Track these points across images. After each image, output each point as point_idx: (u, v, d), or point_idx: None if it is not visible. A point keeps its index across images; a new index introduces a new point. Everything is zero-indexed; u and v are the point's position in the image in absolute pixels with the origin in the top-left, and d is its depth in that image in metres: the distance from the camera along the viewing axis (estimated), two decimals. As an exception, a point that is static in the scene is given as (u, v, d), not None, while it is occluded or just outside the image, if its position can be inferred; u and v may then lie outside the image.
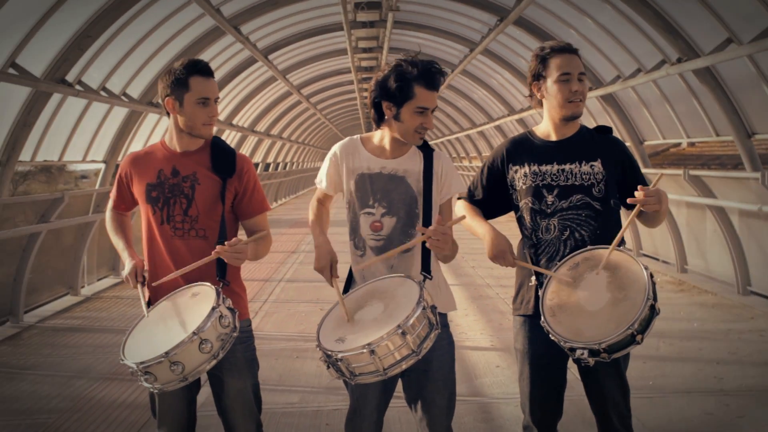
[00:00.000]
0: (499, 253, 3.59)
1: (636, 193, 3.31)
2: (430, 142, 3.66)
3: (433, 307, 3.25)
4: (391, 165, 3.60)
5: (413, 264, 3.56)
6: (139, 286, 3.58)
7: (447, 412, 3.61)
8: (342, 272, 3.63)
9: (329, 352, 3.14)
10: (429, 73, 3.44)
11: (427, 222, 3.53)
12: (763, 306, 9.30)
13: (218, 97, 3.64)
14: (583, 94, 3.61)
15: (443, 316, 3.58)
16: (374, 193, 3.58)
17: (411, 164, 3.60)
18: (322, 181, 3.74)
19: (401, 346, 3.09)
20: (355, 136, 3.74)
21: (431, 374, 3.54)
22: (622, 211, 3.71)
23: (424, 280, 3.38)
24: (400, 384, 3.66)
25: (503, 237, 3.61)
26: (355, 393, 3.60)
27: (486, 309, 9.59)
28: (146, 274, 3.64)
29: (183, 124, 3.60)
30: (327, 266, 3.51)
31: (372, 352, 3.05)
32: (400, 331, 3.06)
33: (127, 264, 3.63)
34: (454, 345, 3.67)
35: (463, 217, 3.55)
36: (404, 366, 3.12)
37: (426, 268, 3.49)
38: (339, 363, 3.13)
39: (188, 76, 3.55)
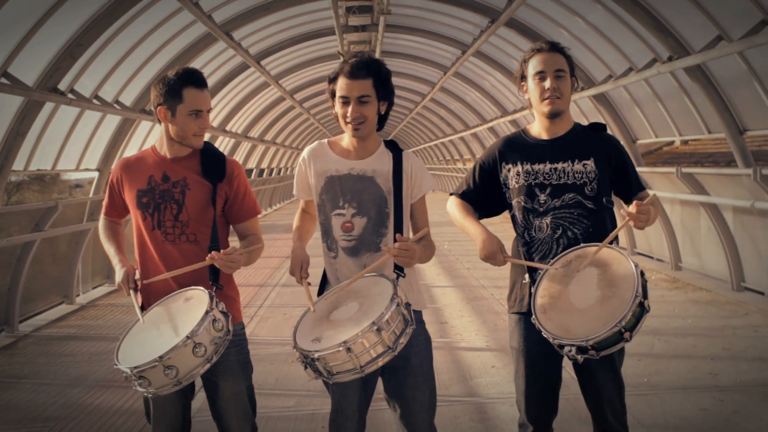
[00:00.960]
0: (490, 254, 3.60)
1: (630, 208, 3.34)
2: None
3: (408, 304, 3.29)
4: (360, 165, 3.63)
5: (387, 263, 3.56)
6: (132, 292, 3.58)
7: (428, 408, 3.64)
8: (317, 276, 3.68)
9: (306, 352, 3.16)
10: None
11: (398, 221, 3.57)
12: (757, 302, 9.33)
13: (210, 108, 3.67)
14: (560, 91, 3.63)
15: (418, 314, 3.62)
16: (344, 194, 3.61)
17: (379, 164, 3.63)
18: (295, 189, 3.81)
19: (377, 342, 3.12)
20: (323, 140, 3.77)
21: (410, 370, 3.57)
22: (616, 210, 3.72)
23: (397, 278, 3.42)
24: (380, 385, 3.69)
25: (494, 237, 3.62)
26: (336, 394, 3.63)
27: (481, 310, 9.60)
28: (138, 280, 3.65)
29: (174, 133, 3.63)
30: (297, 267, 3.54)
31: (348, 349, 3.08)
32: (375, 327, 3.09)
33: (118, 270, 3.64)
34: (431, 341, 3.70)
35: (426, 231, 3.55)
36: (381, 362, 3.15)
37: (399, 266, 3.51)
38: (316, 362, 3.16)
39: (182, 87, 3.57)
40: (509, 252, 3.81)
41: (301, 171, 3.72)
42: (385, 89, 3.53)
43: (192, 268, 3.50)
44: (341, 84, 3.51)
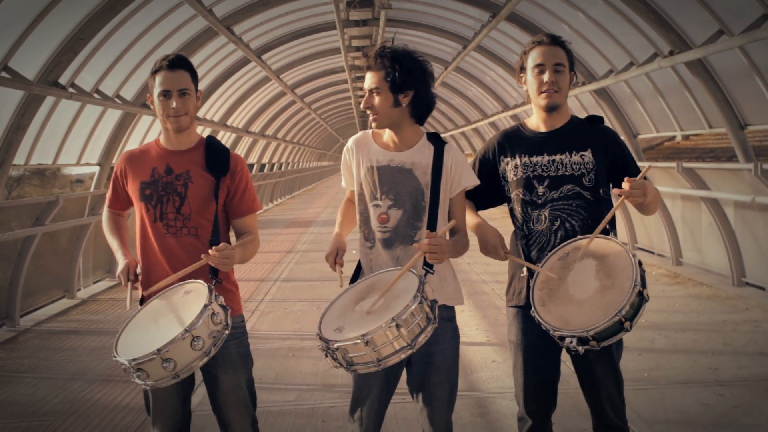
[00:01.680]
0: (491, 248, 3.61)
1: (623, 185, 3.33)
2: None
3: (433, 302, 3.27)
4: (399, 158, 3.63)
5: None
6: (129, 284, 3.58)
7: (448, 405, 3.64)
8: (350, 267, 3.70)
9: (327, 341, 3.18)
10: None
11: (432, 215, 3.57)
12: (758, 297, 9.33)
13: (185, 89, 3.59)
14: (558, 85, 3.63)
15: (450, 309, 3.63)
16: (381, 186, 3.61)
17: (419, 157, 3.63)
18: (342, 179, 3.82)
19: (396, 338, 3.11)
20: (367, 130, 3.79)
21: (434, 367, 3.57)
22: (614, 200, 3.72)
23: (425, 275, 3.40)
24: (403, 378, 3.69)
25: (495, 231, 3.63)
26: (357, 381, 3.63)
27: (482, 305, 9.61)
28: (139, 273, 3.65)
29: (159, 119, 3.64)
30: (333, 252, 3.58)
31: (367, 343, 3.08)
32: (395, 323, 3.09)
33: (121, 262, 3.64)
34: (458, 339, 3.69)
35: (453, 223, 3.55)
36: (398, 358, 3.15)
37: (428, 262, 3.50)
38: (336, 352, 3.17)
39: (156, 72, 3.59)
40: (508, 246, 3.81)
41: (346, 161, 3.74)
42: (394, 81, 3.52)
43: (190, 269, 3.50)
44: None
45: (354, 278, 3.72)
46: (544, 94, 3.63)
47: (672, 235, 12.03)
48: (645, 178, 3.42)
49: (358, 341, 3.09)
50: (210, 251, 3.41)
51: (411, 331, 3.14)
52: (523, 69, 3.73)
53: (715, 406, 5.72)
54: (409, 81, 3.53)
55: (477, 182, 3.74)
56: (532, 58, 3.65)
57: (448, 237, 3.55)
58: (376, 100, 3.54)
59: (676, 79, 10.58)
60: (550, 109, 3.67)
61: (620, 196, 3.36)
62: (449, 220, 3.66)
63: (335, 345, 3.14)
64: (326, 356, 3.25)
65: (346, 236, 3.76)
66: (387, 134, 3.67)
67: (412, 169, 3.61)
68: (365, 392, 3.61)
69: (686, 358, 6.94)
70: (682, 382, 6.25)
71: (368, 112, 3.59)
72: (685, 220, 11.73)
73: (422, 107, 3.62)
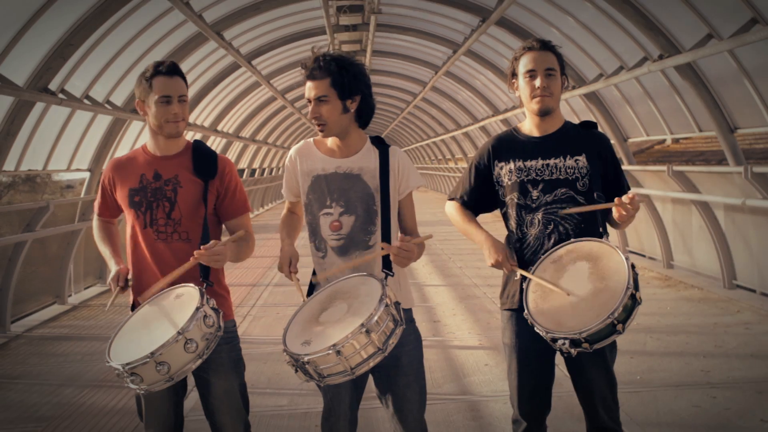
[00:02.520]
0: (501, 260, 3.61)
1: (623, 198, 3.36)
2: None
3: (397, 304, 3.28)
4: (346, 164, 3.63)
5: (375, 262, 3.57)
6: (117, 290, 3.58)
7: (419, 406, 3.64)
8: (306, 276, 3.68)
9: (296, 356, 3.15)
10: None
11: (385, 218, 3.57)
12: (749, 299, 9.36)
13: (183, 96, 3.62)
14: (550, 90, 3.65)
15: (407, 312, 3.62)
16: (331, 193, 3.61)
17: (366, 161, 3.63)
18: (283, 190, 3.80)
19: (367, 344, 3.10)
20: (309, 139, 3.78)
21: (401, 369, 3.57)
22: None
23: (386, 278, 3.40)
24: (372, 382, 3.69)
25: (501, 244, 3.65)
26: (327, 393, 3.63)
27: (474, 308, 9.61)
28: (130, 280, 3.64)
29: (153, 125, 3.64)
30: (286, 263, 3.55)
31: (338, 352, 3.06)
32: (365, 329, 3.08)
33: (113, 269, 3.63)
34: (421, 340, 3.70)
35: (430, 236, 3.54)
36: (371, 364, 3.14)
37: (387, 265, 3.50)
38: (306, 366, 3.15)
39: (152, 78, 3.59)
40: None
41: (289, 171, 3.73)
42: (342, 87, 3.51)
43: (180, 271, 3.49)
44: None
45: (310, 291, 3.70)
46: (536, 99, 3.65)
47: (663, 238, 12.06)
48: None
49: (329, 352, 3.06)
50: (198, 251, 3.41)
51: (381, 335, 3.13)
52: (514, 75, 3.74)
53: (707, 408, 5.73)
54: (356, 86, 3.54)
55: (423, 183, 3.79)
56: (524, 64, 3.66)
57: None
58: (324, 109, 3.52)
59: (666, 82, 10.62)
60: (543, 114, 3.69)
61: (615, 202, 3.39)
62: (399, 222, 3.69)
63: (305, 358, 3.11)
64: (296, 371, 3.22)
65: (294, 244, 3.73)
66: (331, 141, 3.67)
67: (360, 174, 3.61)
68: (336, 402, 3.62)
69: (678, 360, 6.96)
70: (674, 385, 6.26)
71: (314, 122, 3.56)
72: (676, 223, 11.77)
73: (368, 111, 3.63)
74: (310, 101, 3.55)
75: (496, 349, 7.40)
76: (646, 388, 6.17)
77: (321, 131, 3.58)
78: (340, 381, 3.16)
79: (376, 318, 3.11)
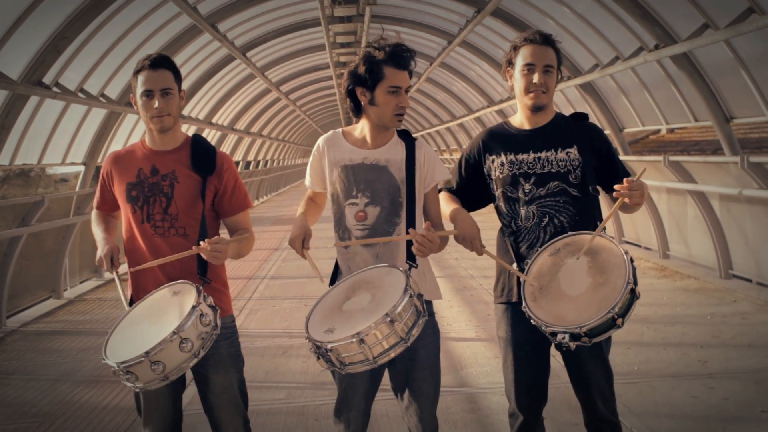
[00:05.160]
0: (468, 239, 3.56)
1: (619, 186, 3.34)
2: (413, 136, 3.68)
3: (420, 295, 3.27)
4: (373, 155, 3.62)
5: (398, 253, 3.58)
6: (115, 275, 3.56)
7: (433, 400, 3.63)
8: (328, 267, 3.66)
9: (319, 343, 3.16)
10: (396, 53, 3.49)
11: (410, 210, 3.56)
12: (745, 289, 9.37)
13: (167, 89, 3.55)
14: (546, 86, 3.62)
15: (429, 304, 3.61)
16: (357, 184, 3.60)
17: (393, 153, 3.62)
18: (307, 178, 3.79)
19: (390, 334, 3.11)
20: (337, 129, 3.77)
21: (418, 363, 3.56)
22: (606, 198, 3.72)
23: (409, 269, 3.41)
24: (386, 376, 3.67)
25: (472, 222, 3.58)
26: (342, 382, 3.61)
27: (470, 300, 9.61)
28: (124, 260, 3.62)
29: (143, 120, 3.61)
30: (299, 237, 3.51)
31: (361, 341, 3.07)
32: (389, 319, 3.08)
33: (101, 247, 3.61)
34: (439, 334, 3.68)
35: (455, 232, 3.54)
36: (393, 354, 3.14)
37: (411, 257, 3.50)
38: (329, 353, 3.15)
39: (137, 73, 3.56)
40: (495, 243, 3.81)
41: (316, 160, 3.72)
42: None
43: (179, 256, 3.47)
44: (390, 73, 3.50)
45: (333, 280, 3.71)
46: (531, 95, 3.62)
47: (659, 229, 12.07)
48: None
49: (353, 340, 3.07)
50: (202, 243, 3.38)
51: (404, 326, 3.14)
52: (510, 63, 3.70)
53: (706, 399, 5.73)
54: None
55: (449, 176, 3.79)
56: (523, 56, 3.62)
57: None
58: (405, 97, 3.55)
59: (662, 72, 10.60)
60: (536, 110, 3.67)
61: (617, 197, 3.37)
62: (424, 214, 3.68)
63: (328, 346, 3.12)
64: (318, 359, 3.23)
65: (311, 225, 3.72)
66: (360, 132, 3.67)
67: (387, 166, 3.61)
68: (351, 393, 3.61)
69: (675, 351, 6.97)
70: (671, 375, 6.27)
71: (403, 111, 3.57)
72: (672, 213, 11.77)
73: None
74: (395, 89, 3.51)
75: (493, 341, 7.39)
76: (643, 379, 6.17)
77: (400, 121, 3.58)
78: (362, 370, 3.17)
79: (400, 308, 3.12)
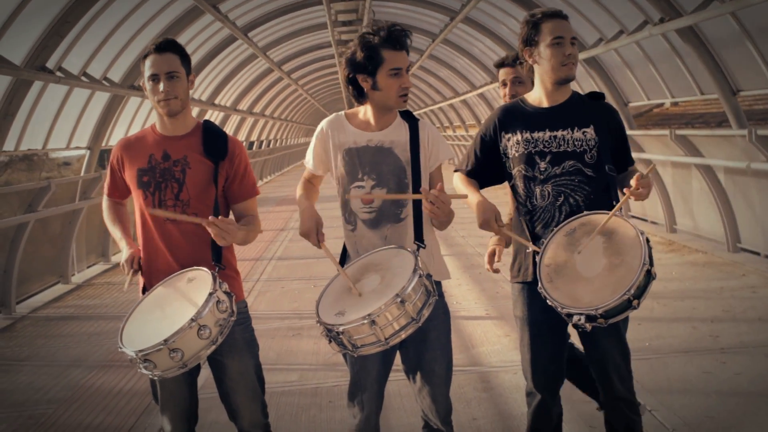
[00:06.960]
0: (484, 222, 3.57)
1: (632, 182, 3.38)
2: (416, 113, 3.67)
3: (429, 275, 3.28)
4: (378, 137, 3.61)
5: (406, 234, 3.57)
6: (130, 273, 3.55)
7: (446, 380, 3.64)
8: (336, 248, 3.64)
9: (330, 327, 3.16)
10: (392, 35, 3.47)
11: (416, 191, 3.54)
12: (754, 262, 9.36)
13: (174, 72, 3.53)
14: (575, 58, 3.61)
15: (438, 285, 3.60)
16: (363, 166, 3.59)
17: (397, 135, 3.61)
18: (309, 160, 3.76)
19: (400, 315, 3.12)
20: (340, 112, 3.75)
21: (429, 344, 3.57)
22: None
23: (418, 249, 3.42)
24: (398, 357, 3.67)
25: (490, 204, 3.59)
26: (354, 366, 3.61)
27: (479, 278, 9.61)
28: (141, 264, 3.62)
29: (152, 105, 3.60)
30: (313, 228, 3.51)
31: (372, 322, 3.08)
32: (399, 299, 3.09)
33: (125, 252, 3.61)
34: (449, 314, 3.69)
35: (465, 196, 3.54)
36: (404, 335, 3.16)
37: (419, 237, 3.51)
38: (341, 336, 3.16)
39: (144, 58, 3.56)
40: (510, 221, 3.80)
41: (319, 142, 3.70)
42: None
43: (190, 220, 3.47)
44: (389, 56, 3.48)
45: (341, 263, 3.69)
46: (566, 66, 3.59)
47: (666, 203, 12.04)
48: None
49: (364, 322, 3.08)
50: (213, 218, 3.37)
51: (414, 306, 3.15)
52: (530, 42, 3.66)
53: (718, 373, 5.73)
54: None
55: (452, 154, 3.80)
56: (549, 31, 3.57)
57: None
58: (407, 77, 3.54)
59: (667, 46, 10.53)
60: (567, 81, 3.63)
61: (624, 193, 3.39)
62: None
63: (339, 329, 3.13)
64: (330, 342, 3.23)
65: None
66: (363, 115, 3.66)
67: (392, 148, 3.60)
68: (364, 376, 3.60)
69: (686, 326, 6.96)
70: (683, 351, 6.27)
71: (406, 91, 3.55)
72: (678, 186, 11.74)
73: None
74: (396, 71, 3.49)
75: (504, 319, 7.40)
76: (655, 355, 6.17)
77: (405, 102, 3.57)
78: (374, 351, 3.18)
79: (409, 289, 3.12)
